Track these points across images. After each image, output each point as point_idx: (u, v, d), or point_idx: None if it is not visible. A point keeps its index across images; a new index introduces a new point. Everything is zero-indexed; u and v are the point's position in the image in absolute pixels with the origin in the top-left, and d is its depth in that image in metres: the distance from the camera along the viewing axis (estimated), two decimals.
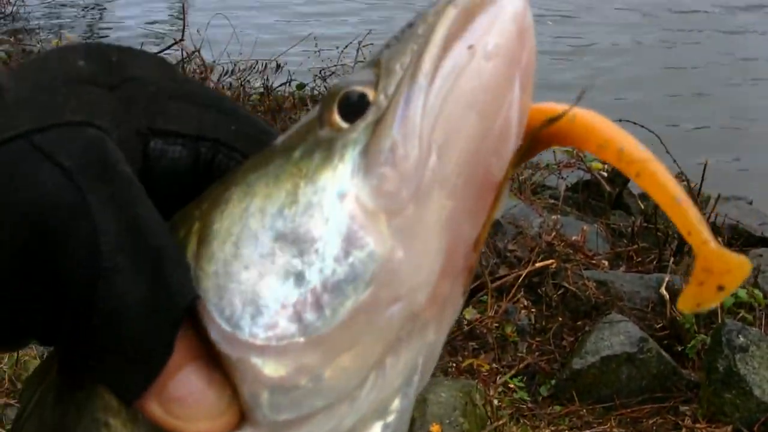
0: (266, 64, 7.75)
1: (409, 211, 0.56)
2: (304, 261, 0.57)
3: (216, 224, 0.60)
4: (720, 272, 0.55)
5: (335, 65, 7.31)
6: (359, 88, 0.60)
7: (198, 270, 0.59)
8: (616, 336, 4.45)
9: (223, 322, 0.57)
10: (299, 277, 0.56)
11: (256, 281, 0.57)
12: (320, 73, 7.36)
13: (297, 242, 0.57)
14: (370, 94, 0.59)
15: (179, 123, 0.64)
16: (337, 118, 0.60)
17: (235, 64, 7.78)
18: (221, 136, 0.65)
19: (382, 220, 0.56)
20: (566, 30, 11.59)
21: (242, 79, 7.56)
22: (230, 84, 7.58)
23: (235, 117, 0.67)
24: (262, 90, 7.35)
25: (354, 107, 0.59)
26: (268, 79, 7.45)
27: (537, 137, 0.59)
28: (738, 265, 0.55)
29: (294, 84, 7.34)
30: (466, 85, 0.56)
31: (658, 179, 0.56)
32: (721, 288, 0.55)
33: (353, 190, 0.57)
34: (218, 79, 7.61)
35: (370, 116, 0.59)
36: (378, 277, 0.56)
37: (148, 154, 0.63)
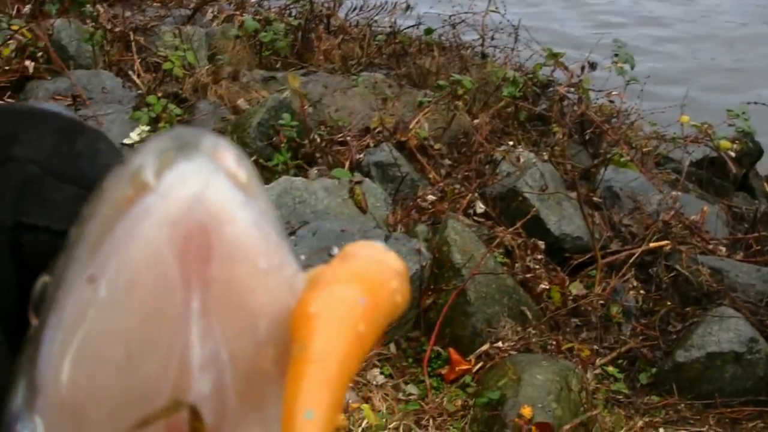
0: (396, 3, 7.64)
1: None
2: None
3: None
4: None
5: (465, 12, 7.15)
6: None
7: None
8: (725, 332, 4.30)
9: None
10: None
11: None
12: (449, 18, 7.21)
13: None
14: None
15: (51, 215, 0.61)
16: (33, 319, 0.55)
17: (364, 1, 7.70)
18: None
19: None
20: None
21: (369, 18, 7.47)
22: (357, 22, 7.51)
23: None
24: (389, 30, 7.26)
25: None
26: (395, 21, 7.34)
27: None
28: None
29: (422, 28, 7.21)
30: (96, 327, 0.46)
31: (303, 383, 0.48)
32: None
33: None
34: (345, 15, 7.54)
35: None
36: None
37: (19, 242, 0.61)
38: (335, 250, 0.58)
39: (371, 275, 0.53)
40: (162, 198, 0.45)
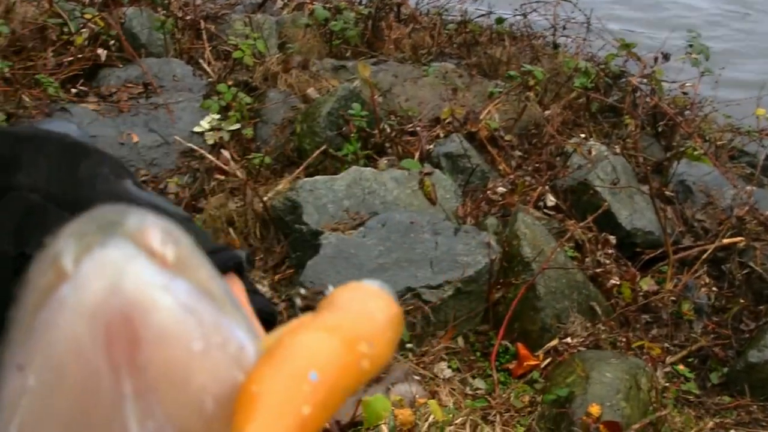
0: None
1: None
2: None
3: None
4: None
5: (537, 1, 7.06)
6: None
7: None
8: None
9: None
10: None
11: None
12: (520, 7, 7.14)
13: None
14: None
15: None
16: None
17: None
18: None
19: None
20: None
21: (440, 6, 7.42)
22: (428, 10, 7.47)
23: None
24: (459, 19, 7.21)
25: None
26: (466, 10, 7.28)
27: None
28: None
29: (493, 17, 7.15)
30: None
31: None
32: None
33: None
34: (416, 4, 7.50)
35: None
36: None
37: (23, 272, 0.58)
38: (330, 290, 0.57)
39: (342, 335, 0.50)
40: (77, 288, 0.43)
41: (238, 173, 4.76)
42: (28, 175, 0.61)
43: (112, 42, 5.67)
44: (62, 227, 0.57)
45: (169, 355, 0.44)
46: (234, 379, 0.46)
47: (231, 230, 4.49)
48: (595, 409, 3.62)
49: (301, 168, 4.77)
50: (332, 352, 0.49)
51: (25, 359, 0.45)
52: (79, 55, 5.55)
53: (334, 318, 0.52)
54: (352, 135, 4.89)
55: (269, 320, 0.69)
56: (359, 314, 0.53)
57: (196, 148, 4.90)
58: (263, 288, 4.10)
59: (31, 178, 0.62)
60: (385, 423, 3.27)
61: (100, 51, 5.60)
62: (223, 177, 4.81)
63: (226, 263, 0.60)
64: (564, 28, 7.02)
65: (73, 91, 5.44)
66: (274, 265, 4.31)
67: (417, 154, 4.93)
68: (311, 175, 4.65)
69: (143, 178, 4.97)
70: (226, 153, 4.92)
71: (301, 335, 0.49)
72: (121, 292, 0.42)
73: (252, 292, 0.69)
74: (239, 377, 0.46)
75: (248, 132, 5.07)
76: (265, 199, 4.47)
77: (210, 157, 4.84)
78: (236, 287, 0.60)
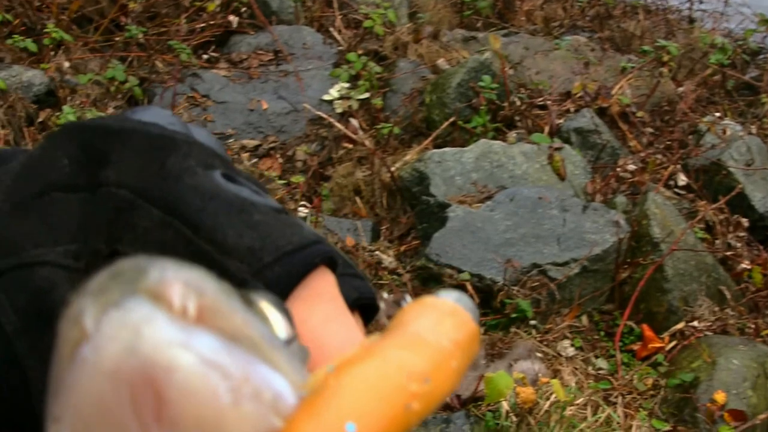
0: None
1: None
2: None
3: None
4: None
5: None
6: None
7: None
8: None
9: None
10: None
11: None
12: None
13: None
14: None
15: (142, 243, 0.59)
16: None
17: None
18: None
19: None
20: None
21: None
22: None
23: (207, 237, 0.59)
24: None
25: None
26: None
27: None
28: None
29: None
30: None
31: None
32: None
33: None
34: None
35: None
36: None
37: None
38: (407, 301, 0.55)
39: (393, 373, 0.47)
40: (97, 350, 0.43)
41: (367, 142, 4.80)
42: (117, 170, 0.62)
43: (244, 9, 5.75)
44: (150, 225, 0.59)
45: (198, 411, 0.43)
46: (272, 426, 0.45)
47: (357, 199, 4.54)
48: (720, 397, 3.56)
49: (430, 139, 4.78)
50: (376, 396, 0.46)
51: (60, 412, 0.45)
52: (211, 22, 5.65)
53: (391, 347, 0.49)
54: (482, 107, 4.87)
55: (370, 305, 0.68)
56: (421, 342, 0.50)
57: (324, 116, 4.96)
58: (388, 258, 4.14)
59: (120, 173, 0.62)
60: (506, 400, 3.28)
61: (231, 18, 5.69)
62: (351, 146, 4.85)
63: (311, 260, 0.58)
64: (701, 2, 6.83)
65: (205, 57, 5.56)
66: (399, 235, 4.34)
67: (547, 129, 4.88)
68: (439, 147, 4.66)
69: (272, 145, 5.06)
70: (354, 122, 4.97)
71: (345, 376, 0.47)
72: (138, 354, 0.42)
73: (351, 276, 0.66)
74: (277, 424, 0.45)
75: (377, 101, 5.09)
76: (392, 169, 4.50)
77: (338, 125, 4.89)
78: (324, 282, 0.58)
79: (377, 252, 4.18)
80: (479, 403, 3.33)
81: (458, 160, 4.40)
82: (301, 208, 4.48)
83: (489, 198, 4.20)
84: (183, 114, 5.03)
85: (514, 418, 3.28)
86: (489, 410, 3.29)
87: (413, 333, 0.50)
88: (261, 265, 0.56)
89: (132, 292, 0.43)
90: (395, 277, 4.04)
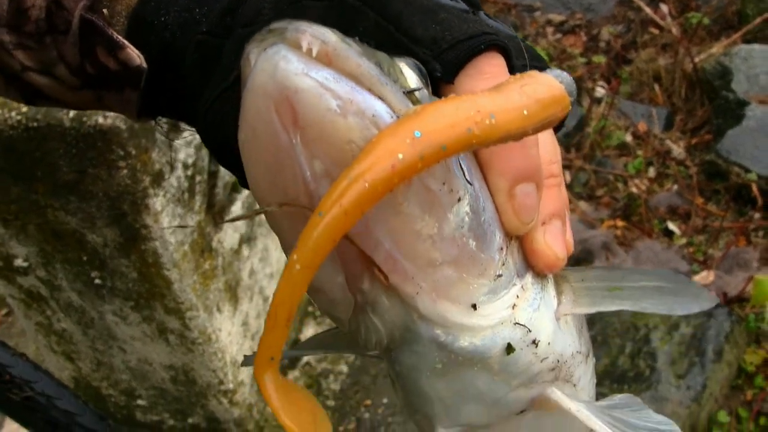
0: None
1: None
2: None
3: None
4: None
5: None
6: None
7: None
8: None
9: None
10: None
11: None
12: None
13: None
14: None
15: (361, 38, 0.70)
16: None
17: None
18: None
19: None
20: None
21: None
22: None
23: (403, 31, 0.72)
24: None
25: None
26: None
27: None
28: None
29: None
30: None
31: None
32: None
33: None
34: None
35: None
36: None
37: None
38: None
39: (465, 105, 0.60)
40: (253, 78, 0.62)
41: (673, 30, 4.75)
42: None
43: None
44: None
45: (318, 117, 0.61)
46: (371, 134, 0.61)
47: (656, 86, 4.54)
48: None
49: (739, 33, 4.66)
50: (444, 118, 0.59)
51: (240, 120, 0.66)
52: None
53: (475, 93, 0.62)
54: None
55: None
56: (501, 90, 0.62)
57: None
58: (678, 149, 4.16)
59: None
60: None
61: None
62: (657, 32, 4.82)
63: (478, 46, 0.69)
64: None
65: None
66: (693, 128, 4.32)
67: None
68: (749, 42, 4.54)
69: (577, 22, 5.11)
70: (664, 7, 4.91)
71: (430, 106, 0.60)
72: (276, 79, 0.61)
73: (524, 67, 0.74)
74: (374, 132, 0.61)
75: None
76: (696, 60, 4.45)
77: (647, 9, 4.86)
78: (488, 65, 0.69)
79: (668, 141, 4.21)
80: (744, 303, 3.35)
81: (766, 59, 4.29)
82: (598, 88, 4.54)
83: None
84: None
85: None
86: (753, 312, 3.31)
87: (499, 85, 0.64)
88: (440, 51, 0.70)
89: (279, 41, 0.63)
90: (682, 168, 4.07)
